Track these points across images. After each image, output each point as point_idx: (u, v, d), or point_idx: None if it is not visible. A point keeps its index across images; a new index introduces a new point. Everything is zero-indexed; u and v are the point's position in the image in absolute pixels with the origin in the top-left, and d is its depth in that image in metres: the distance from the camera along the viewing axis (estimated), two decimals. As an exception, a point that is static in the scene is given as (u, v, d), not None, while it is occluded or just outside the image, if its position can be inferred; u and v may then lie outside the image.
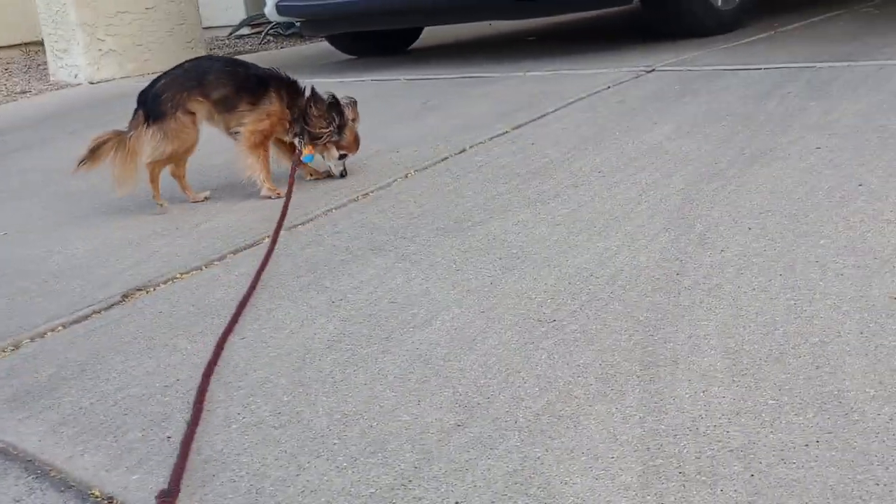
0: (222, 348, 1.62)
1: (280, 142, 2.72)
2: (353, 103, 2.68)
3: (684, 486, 1.09)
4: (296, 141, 2.66)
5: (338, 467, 1.23)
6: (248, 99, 2.59)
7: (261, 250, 2.13)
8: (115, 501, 1.20)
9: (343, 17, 4.96)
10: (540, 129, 3.02)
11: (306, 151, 2.65)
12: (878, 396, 1.22)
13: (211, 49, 7.21)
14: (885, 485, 1.04)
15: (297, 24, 6.31)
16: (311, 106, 2.61)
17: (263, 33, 8.25)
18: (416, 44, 6.01)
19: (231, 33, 8.69)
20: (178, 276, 2.06)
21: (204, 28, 7.01)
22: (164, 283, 2.03)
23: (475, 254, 1.97)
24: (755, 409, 1.23)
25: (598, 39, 5.17)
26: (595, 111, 3.19)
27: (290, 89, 2.64)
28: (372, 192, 2.55)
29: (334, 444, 1.29)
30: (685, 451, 1.16)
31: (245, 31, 8.72)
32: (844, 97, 2.82)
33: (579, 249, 1.91)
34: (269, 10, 5.12)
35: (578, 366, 1.42)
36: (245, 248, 2.20)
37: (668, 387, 1.32)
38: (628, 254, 1.84)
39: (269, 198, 2.60)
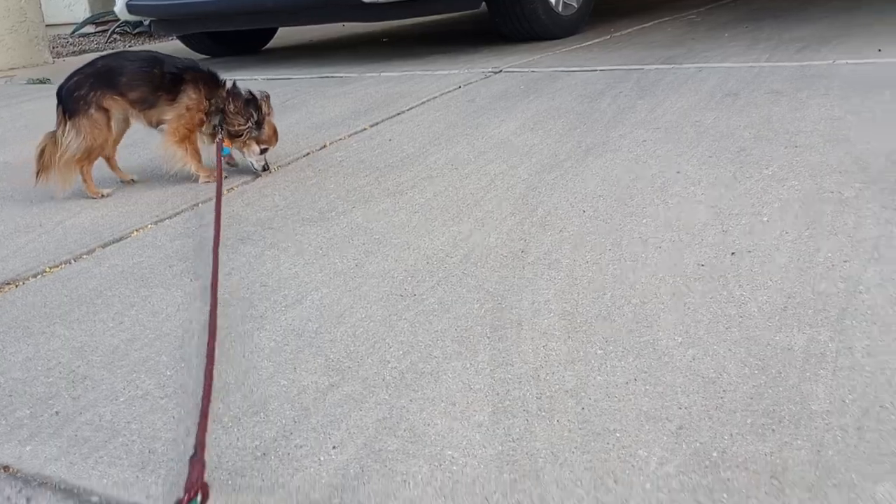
0: (101, 332, 1.69)
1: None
2: (267, 97, 2.73)
3: (527, 420, 1.29)
4: (216, 130, 2.66)
5: (223, 426, 1.35)
6: (166, 96, 2.61)
7: (129, 243, 2.20)
8: (10, 469, 1.28)
9: (196, 17, 4.97)
10: (396, 126, 3.19)
11: (224, 144, 2.65)
12: (684, 343, 1.46)
13: (54, 48, 6.97)
14: (686, 408, 1.27)
15: (146, 22, 6.22)
16: (229, 102, 2.64)
17: (110, 32, 8.03)
18: (272, 44, 6.07)
19: (74, 31, 8.40)
20: (46, 269, 2.10)
21: (47, 25, 6.77)
22: (34, 276, 2.06)
23: (340, 240, 2.12)
24: (586, 357, 1.45)
25: (450, 42, 5.41)
26: (447, 109, 3.40)
27: (208, 81, 2.66)
28: (237, 186, 2.65)
29: (218, 408, 1.41)
30: (528, 393, 1.36)
31: (90, 29, 8.44)
32: (668, 96, 3.16)
33: (435, 233, 2.09)
34: (120, 8, 5.05)
35: (436, 331, 1.60)
36: (113, 242, 2.25)
37: (514, 344, 1.52)
38: (479, 236, 2.04)
39: (209, 182, 2.67)
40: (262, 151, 2.72)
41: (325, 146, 3.01)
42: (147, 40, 7.54)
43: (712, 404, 1.28)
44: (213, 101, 2.64)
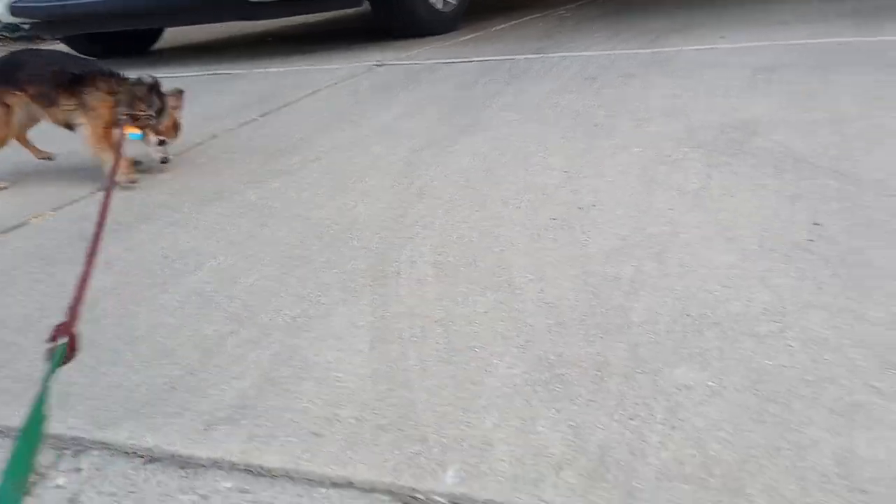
0: None
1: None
2: (180, 92, 2.75)
3: (402, 346, 1.52)
4: (121, 120, 2.66)
5: (133, 369, 1.53)
6: (68, 94, 2.62)
7: (31, 228, 2.32)
8: (-60, 413, 1.42)
9: (81, 19, 5.00)
10: (285, 116, 3.38)
11: (128, 129, 2.62)
12: (534, 279, 1.72)
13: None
14: (531, 325, 1.53)
15: (27, 26, 6.16)
16: (134, 88, 2.65)
17: (-13, 36, 7.85)
18: (160, 45, 6.11)
19: (-53, 36, 8.16)
20: (-51, 254, 2.20)
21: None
22: (-62, 260, 2.17)
23: (235, 216, 2.30)
24: (452, 295, 1.69)
25: (335, 39, 5.60)
26: (333, 100, 3.60)
27: (111, 77, 2.68)
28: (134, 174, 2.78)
29: (128, 356, 1.59)
30: (403, 326, 1.59)
31: (-37, 33, 8.22)
32: (534, 82, 3.45)
33: (323, 206, 2.30)
34: (2, 11, 5.03)
35: (325, 284, 1.81)
36: (15, 228, 2.37)
37: (393, 290, 1.75)
38: (363, 206, 2.26)
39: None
40: (160, 143, 2.75)
41: (216, 136, 3.16)
42: (28, 43, 7.41)
43: (553, 322, 1.54)
44: (119, 93, 2.65)
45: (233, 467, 1.24)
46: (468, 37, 5.05)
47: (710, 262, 1.69)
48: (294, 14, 4.69)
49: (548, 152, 2.52)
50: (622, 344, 1.44)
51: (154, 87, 2.70)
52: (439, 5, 5.22)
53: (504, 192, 2.24)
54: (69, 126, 2.70)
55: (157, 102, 2.69)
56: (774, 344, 1.37)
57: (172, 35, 6.46)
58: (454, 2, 5.37)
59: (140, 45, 6.01)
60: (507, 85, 3.45)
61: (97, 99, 2.65)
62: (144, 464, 1.28)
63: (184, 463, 1.27)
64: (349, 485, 1.17)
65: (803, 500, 1.03)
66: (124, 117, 2.65)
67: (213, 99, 3.92)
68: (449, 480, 1.16)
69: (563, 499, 1.09)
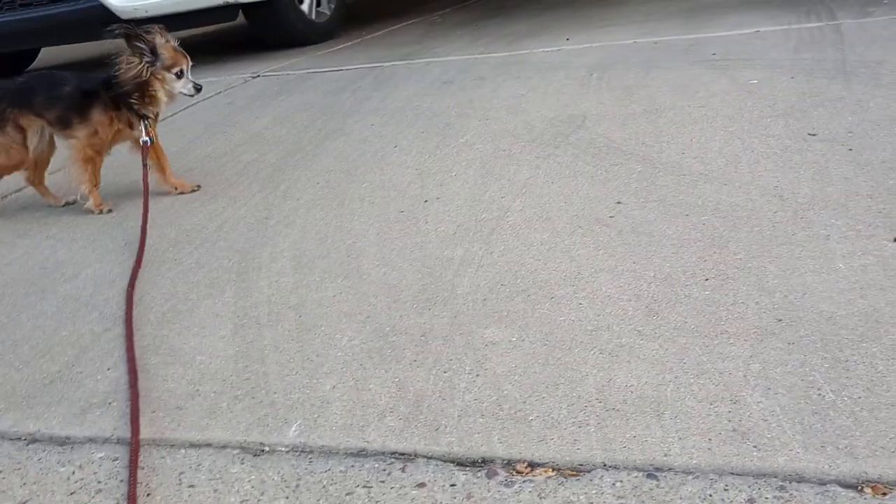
0: None
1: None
2: (161, 27, 2.55)
3: (259, 329, 1.73)
4: (141, 127, 2.55)
5: (15, 368, 1.70)
6: (80, 115, 2.51)
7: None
8: None
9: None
10: (161, 129, 3.51)
11: (145, 135, 2.53)
12: (379, 265, 1.96)
13: None
14: (373, 305, 1.76)
15: None
16: (119, 68, 2.47)
17: None
18: (38, 63, 6.10)
19: None
20: None
21: None
22: None
23: (110, 227, 2.46)
24: (307, 284, 1.91)
25: (213, 53, 5.73)
26: (209, 111, 3.76)
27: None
28: (9, 195, 2.90)
29: (9, 357, 1.75)
30: (261, 312, 1.80)
31: None
32: (398, 87, 3.70)
33: (195, 212, 2.48)
34: None
35: (192, 282, 2.01)
36: None
37: (254, 282, 1.96)
38: (231, 210, 2.46)
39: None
40: (178, 76, 2.53)
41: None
42: None
43: (392, 300, 1.78)
44: (120, 102, 2.51)
45: (105, 441, 1.43)
46: (343, 45, 5.26)
47: (527, 240, 1.96)
48: (170, 30, 4.79)
49: (402, 152, 2.76)
50: (446, 313, 1.69)
51: (132, 37, 2.45)
52: (314, 16, 5.42)
53: (361, 190, 2.47)
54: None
55: (145, 45, 2.47)
56: (568, 303, 1.65)
57: (48, 54, 6.45)
58: (328, 12, 5.58)
59: (17, 65, 5.98)
60: (373, 91, 3.69)
61: (100, 116, 2.52)
62: (27, 444, 1.45)
63: (62, 441, 1.45)
64: (207, 445, 1.38)
65: (569, 419, 1.30)
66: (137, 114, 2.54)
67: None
68: (292, 434, 1.38)
69: (383, 438, 1.33)
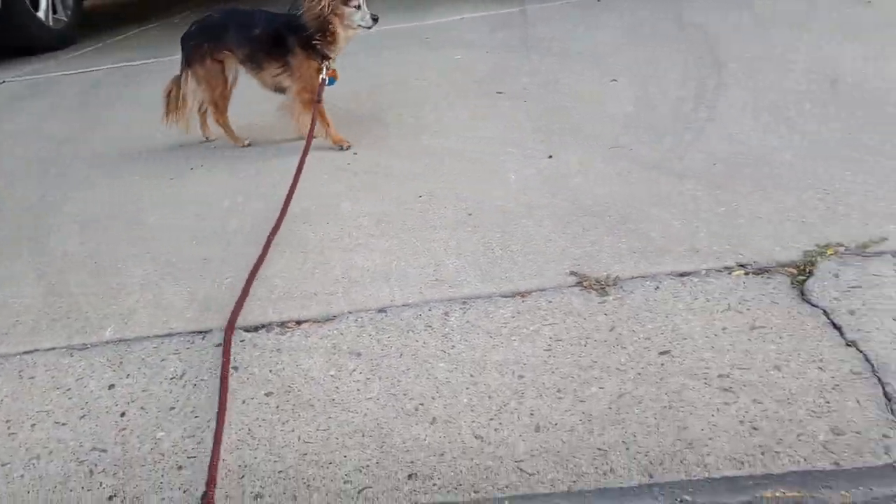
0: None
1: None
2: None
3: (61, 275, 2.05)
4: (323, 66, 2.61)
5: None
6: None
7: None
8: None
9: None
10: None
11: (329, 74, 2.56)
12: (160, 217, 2.33)
13: None
14: (156, 246, 2.14)
15: None
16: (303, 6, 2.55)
17: None
18: None
19: None
20: None
21: None
22: None
23: None
24: (96, 239, 2.24)
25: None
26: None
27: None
28: None
29: None
30: (60, 265, 2.12)
31: None
32: (148, 83, 3.99)
33: (-29, 200, 2.69)
34: None
35: (-13, 251, 2.27)
36: None
37: (47, 244, 2.26)
38: (9, 191, 2.69)
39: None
40: (358, 7, 2.57)
41: None
42: None
43: (172, 240, 2.17)
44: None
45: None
46: (88, 49, 5.38)
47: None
48: None
49: (156, 138, 3.10)
50: (220, 244, 2.11)
51: None
52: (51, 22, 5.47)
53: (134, 166, 2.80)
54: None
55: None
56: (319, 224, 2.13)
57: None
58: (66, 18, 5.65)
59: None
60: (124, 87, 3.95)
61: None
62: None
63: None
64: (36, 351, 1.72)
65: (323, 292, 1.78)
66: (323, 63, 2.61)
67: None
68: (108, 334, 1.75)
69: (184, 324, 1.74)
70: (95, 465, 1.43)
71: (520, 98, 2.92)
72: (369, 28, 2.58)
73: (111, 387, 1.60)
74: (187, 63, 2.79)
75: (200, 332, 1.71)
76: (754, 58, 2.99)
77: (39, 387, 1.60)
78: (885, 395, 1.32)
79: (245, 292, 1.79)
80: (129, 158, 2.89)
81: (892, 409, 1.30)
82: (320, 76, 2.58)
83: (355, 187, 2.34)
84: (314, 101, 2.57)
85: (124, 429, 1.50)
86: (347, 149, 2.63)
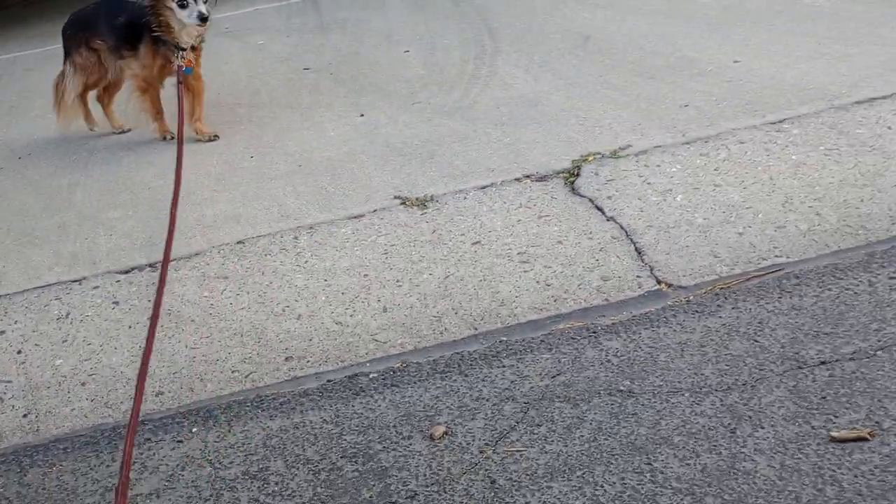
0: None
1: None
2: None
3: None
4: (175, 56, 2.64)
5: None
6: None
7: None
8: None
9: None
10: None
11: (186, 64, 2.58)
12: (48, 177, 2.45)
13: None
14: (14, 217, 2.29)
15: None
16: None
17: None
18: None
19: None
20: None
21: None
22: None
23: None
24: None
25: None
26: None
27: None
28: None
29: None
30: None
31: None
32: None
33: None
34: None
35: None
36: None
37: None
38: None
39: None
40: (182, 5, 2.57)
41: None
42: None
43: (22, 214, 2.32)
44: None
45: None
46: None
47: (144, 156, 2.61)
48: None
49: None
50: (73, 210, 2.29)
51: None
52: None
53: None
54: None
55: None
56: (165, 185, 2.36)
57: None
58: None
59: None
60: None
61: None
62: None
63: None
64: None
65: (180, 237, 2.04)
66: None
67: None
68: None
69: (56, 277, 1.93)
70: (4, 393, 1.63)
71: (326, 71, 3.25)
72: (199, 25, 2.62)
73: (1, 332, 1.79)
74: (67, 53, 2.89)
75: (74, 280, 1.92)
76: (521, 25, 3.48)
77: (-71, 342, 1.76)
78: (637, 250, 1.78)
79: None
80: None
81: (642, 259, 1.76)
82: (175, 65, 2.66)
83: (189, 154, 2.57)
84: (150, 88, 2.75)
85: (24, 363, 1.70)
86: (172, 139, 2.75)
